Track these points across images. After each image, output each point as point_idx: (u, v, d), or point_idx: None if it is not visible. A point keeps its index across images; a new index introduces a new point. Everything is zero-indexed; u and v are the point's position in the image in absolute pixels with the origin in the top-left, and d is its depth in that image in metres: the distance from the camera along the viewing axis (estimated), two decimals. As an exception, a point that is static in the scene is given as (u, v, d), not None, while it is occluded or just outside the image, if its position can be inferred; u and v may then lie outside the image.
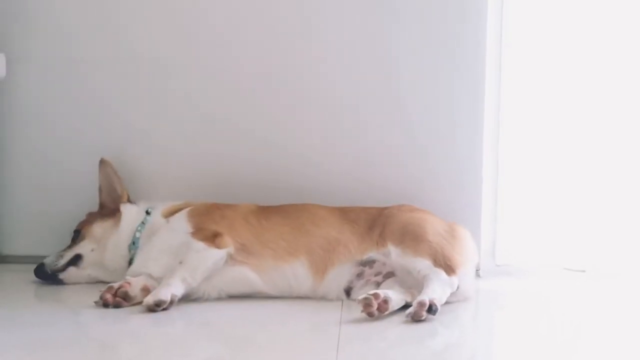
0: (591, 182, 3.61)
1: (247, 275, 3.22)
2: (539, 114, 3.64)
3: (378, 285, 3.20)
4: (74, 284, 3.40)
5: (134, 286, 3.15)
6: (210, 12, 3.64)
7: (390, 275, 3.22)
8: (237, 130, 3.66)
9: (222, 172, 3.66)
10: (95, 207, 3.54)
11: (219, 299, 3.21)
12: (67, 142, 3.68)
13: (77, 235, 3.45)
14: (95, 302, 3.12)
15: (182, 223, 3.31)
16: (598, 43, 3.59)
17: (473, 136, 3.60)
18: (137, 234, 3.38)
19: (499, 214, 3.65)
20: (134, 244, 3.37)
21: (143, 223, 3.40)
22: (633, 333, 3.00)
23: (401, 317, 3.00)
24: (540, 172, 3.64)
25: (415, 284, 3.13)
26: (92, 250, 3.42)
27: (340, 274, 3.24)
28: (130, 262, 3.34)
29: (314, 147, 3.65)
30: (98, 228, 3.44)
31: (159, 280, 3.17)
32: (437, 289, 3.07)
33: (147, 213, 3.43)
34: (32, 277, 3.38)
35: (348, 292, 3.24)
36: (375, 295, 3.00)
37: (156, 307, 3.04)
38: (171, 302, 3.07)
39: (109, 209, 3.49)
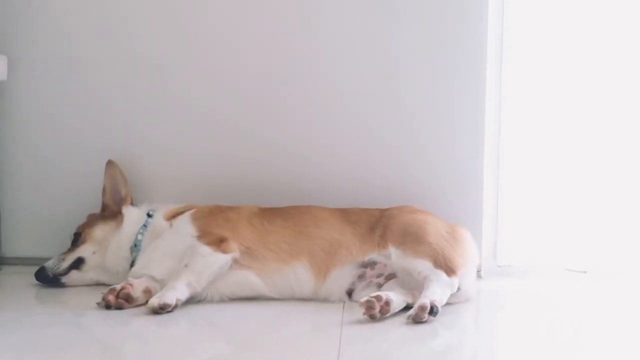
0: (592, 183, 3.61)
1: (249, 279, 3.23)
2: (540, 114, 3.63)
3: (380, 286, 3.20)
4: (75, 286, 3.39)
5: (136, 288, 3.15)
6: (211, 12, 3.63)
7: (391, 276, 3.23)
8: (237, 131, 3.65)
9: (222, 173, 3.66)
10: (95, 209, 3.54)
11: (222, 301, 3.21)
12: (68, 144, 3.68)
13: (78, 238, 3.44)
14: (98, 304, 3.12)
15: (186, 226, 3.31)
16: (599, 43, 3.58)
17: (474, 136, 3.60)
18: (139, 236, 3.38)
19: (500, 214, 3.64)
20: (135, 246, 3.37)
21: (145, 225, 3.40)
22: (634, 334, 3.00)
23: (402, 318, 3.01)
24: (541, 173, 3.64)
25: (416, 285, 3.14)
26: (94, 252, 3.41)
27: (341, 276, 3.24)
28: (132, 264, 3.34)
29: (314, 148, 3.65)
30: (99, 230, 3.44)
31: (161, 283, 3.18)
32: (437, 290, 3.08)
33: (149, 215, 3.43)
34: (33, 279, 3.37)
35: (350, 293, 3.24)
36: (378, 298, 3.01)
37: (161, 310, 3.04)
38: (175, 306, 3.07)
39: (110, 211, 3.49)
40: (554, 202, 3.63)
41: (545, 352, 2.80)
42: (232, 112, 3.66)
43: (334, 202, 3.50)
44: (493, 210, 3.64)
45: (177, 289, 3.10)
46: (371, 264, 3.25)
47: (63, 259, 3.39)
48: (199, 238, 3.24)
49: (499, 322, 3.26)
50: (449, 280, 3.13)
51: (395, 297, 3.06)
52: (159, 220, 3.40)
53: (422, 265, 3.16)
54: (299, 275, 3.24)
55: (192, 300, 3.16)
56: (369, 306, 2.99)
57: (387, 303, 3.01)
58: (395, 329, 2.95)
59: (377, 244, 3.27)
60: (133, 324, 2.99)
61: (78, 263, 3.40)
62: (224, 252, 3.21)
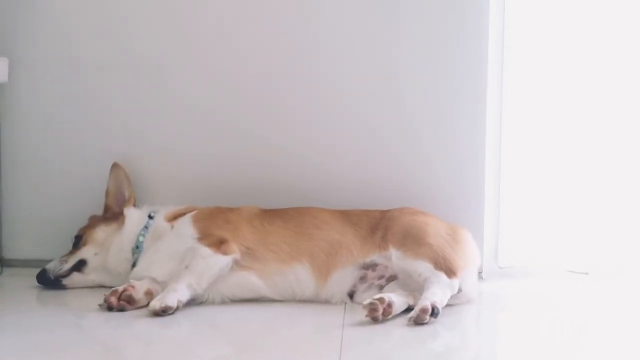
0: (594, 184, 3.60)
1: (250, 281, 3.23)
2: (541, 115, 3.62)
3: (381, 288, 3.21)
4: (76, 289, 3.39)
5: (138, 290, 3.15)
6: (211, 12, 3.63)
7: (392, 278, 3.23)
8: (237, 131, 3.65)
9: (221, 173, 3.65)
10: (97, 210, 3.54)
11: (223, 302, 3.21)
12: (68, 145, 3.67)
13: (79, 241, 3.44)
14: (100, 306, 3.12)
15: (187, 228, 3.31)
16: (601, 44, 3.58)
17: (475, 137, 3.60)
18: (141, 238, 3.38)
19: (501, 215, 3.63)
20: (137, 248, 3.37)
21: (146, 227, 3.40)
22: (636, 335, 3.00)
23: (404, 319, 3.01)
24: (542, 174, 3.63)
25: (417, 287, 3.14)
26: (96, 254, 3.41)
27: (343, 278, 3.24)
28: (133, 266, 3.34)
29: (314, 148, 3.65)
30: (101, 232, 3.44)
31: (162, 284, 3.18)
32: (437, 291, 3.08)
33: (150, 217, 3.43)
34: (34, 281, 3.37)
35: (351, 295, 3.24)
36: (381, 300, 3.00)
37: (162, 312, 3.04)
38: (177, 308, 3.07)
39: (112, 212, 3.49)
40: (555, 203, 3.63)
41: (546, 353, 2.80)
42: (232, 112, 3.65)
43: (334, 202, 3.50)
44: (494, 211, 3.63)
45: (178, 291, 3.10)
46: (372, 266, 3.25)
47: (65, 261, 3.39)
48: (199, 240, 3.24)
49: (500, 324, 3.26)
50: (449, 282, 3.13)
51: (397, 299, 3.06)
52: (160, 221, 3.40)
53: (423, 267, 3.16)
54: (300, 276, 3.24)
55: (194, 302, 3.16)
56: (372, 308, 2.99)
57: (390, 305, 3.01)
58: (396, 331, 2.95)
59: (378, 245, 3.27)
60: (134, 326, 2.99)
61: (80, 265, 3.40)
62: (225, 253, 3.21)
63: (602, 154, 3.60)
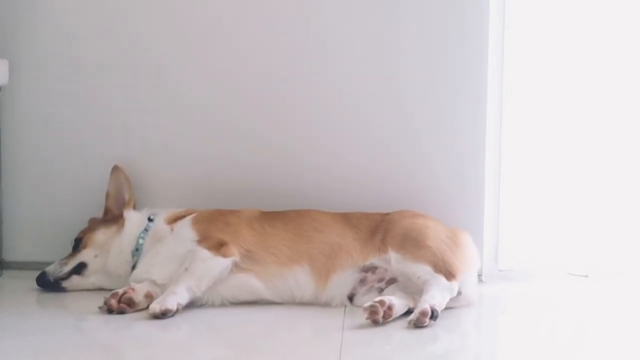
0: (594, 187, 3.59)
1: (250, 283, 3.23)
2: (541, 116, 3.61)
3: (381, 291, 3.20)
4: (76, 291, 3.39)
5: (138, 292, 3.15)
6: (211, 12, 3.62)
7: (392, 281, 3.22)
8: (237, 132, 3.64)
9: (221, 174, 3.65)
10: (97, 212, 3.53)
11: (223, 305, 3.21)
12: (69, 147, 3.66)
13: (78, 244, 3.43)
14: (100, 308, 3.12)
15: (187, 230, 3.31)
16: (602, 43, 3.56)
17: (475, 138, 3.59)
18: (141, 240, 3.38)
19: (501, 218, 3.62)
20: (137, 250, 3.37)
21: (146, 229, 3.40)
22: (636, 337, 3.01)
23: (403, 322, 3.01)
24: (543, 176, 3.62)
25: (417, 290, 3.13)
26: (96, 256, 3.41)
27: (343, 280, 3.24)
28: (133, 268, 3.34)
29: (314, 148, 3.64)
30: (101, 234, 3.43)
31: (162, 287, 3.18)
32: (436, 294, 3.07)
33: (150, 219, 3.43)
34: (34, 283, 3.37)
35: (351, 298, 3.24)
36: (382, 302, 3.01)
37: (162, 315, 3.04)
38: (176, 310, 3.07)
39: (112, 215, 3.49)
40: (555, 205, 3.62)
41: (546, 355, 2.80)
42: (232, 112, 3.64)
43: (334, 202, 3.50)
44: (494, 213, 3.62)
45: (178, 294, 3.10)
46: (372, 269, 3.25)
47: (65, 264, 3.39)
48: (199, 242, 3.25)
49: (500, 326, 3.26)
50: (449, 285, 3.13)
51: (397, 302, 3.05)
52: (160, 224, 3.40)
53: (422, 270, 3.16)
54: (300, 278, 3.24)
55: (193, 304, 3.16)
56: (372, 311, 2.99)
57: (390, 308, 3.01)
58: (396, 334, 2.95)
59: (378, 248, 3.27)
60: (134, 329, 2.99)
61: (80, 268, 3.40)
62: (224, 256, 3.21)
63: (602, 155, 3.59)
